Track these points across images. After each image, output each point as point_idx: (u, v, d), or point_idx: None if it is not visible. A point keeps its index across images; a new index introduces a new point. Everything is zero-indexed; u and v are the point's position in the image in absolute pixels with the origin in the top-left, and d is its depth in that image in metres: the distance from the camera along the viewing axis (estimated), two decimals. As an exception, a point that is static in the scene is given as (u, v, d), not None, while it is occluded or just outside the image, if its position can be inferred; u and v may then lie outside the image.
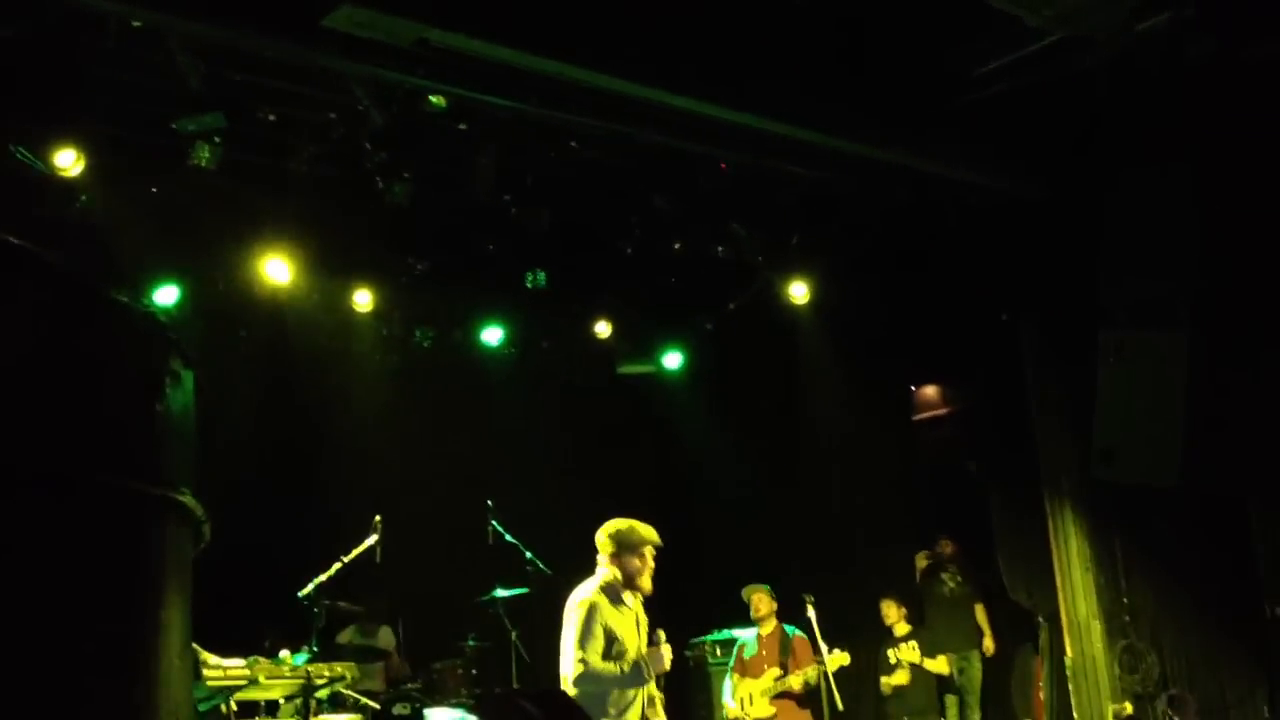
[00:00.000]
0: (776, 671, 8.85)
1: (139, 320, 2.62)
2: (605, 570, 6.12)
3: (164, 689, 2.55)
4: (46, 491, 2.13)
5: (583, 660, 5.84)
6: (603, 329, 10.36)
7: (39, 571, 2.24)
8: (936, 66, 7.68)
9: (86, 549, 2.31)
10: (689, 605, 10.45)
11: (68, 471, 2.15)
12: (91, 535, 2.32)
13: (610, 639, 5.92)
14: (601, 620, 5.91)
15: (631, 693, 5.99)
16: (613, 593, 6.05)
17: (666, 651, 6.11)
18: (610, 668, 5.87)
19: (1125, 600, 8.79)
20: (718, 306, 10.54)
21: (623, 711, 5.96)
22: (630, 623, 6.07)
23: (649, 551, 6.17)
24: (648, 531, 6.19)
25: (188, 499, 2.63)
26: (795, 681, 8.71)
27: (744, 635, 9.27)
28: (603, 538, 6.19)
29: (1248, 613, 8.03)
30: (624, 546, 6.13)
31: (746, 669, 9.04)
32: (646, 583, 6.14)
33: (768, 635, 9.05)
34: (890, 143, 7.93)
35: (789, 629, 9.01)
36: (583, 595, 6.03)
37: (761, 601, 9.05)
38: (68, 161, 6.99)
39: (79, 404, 2.32)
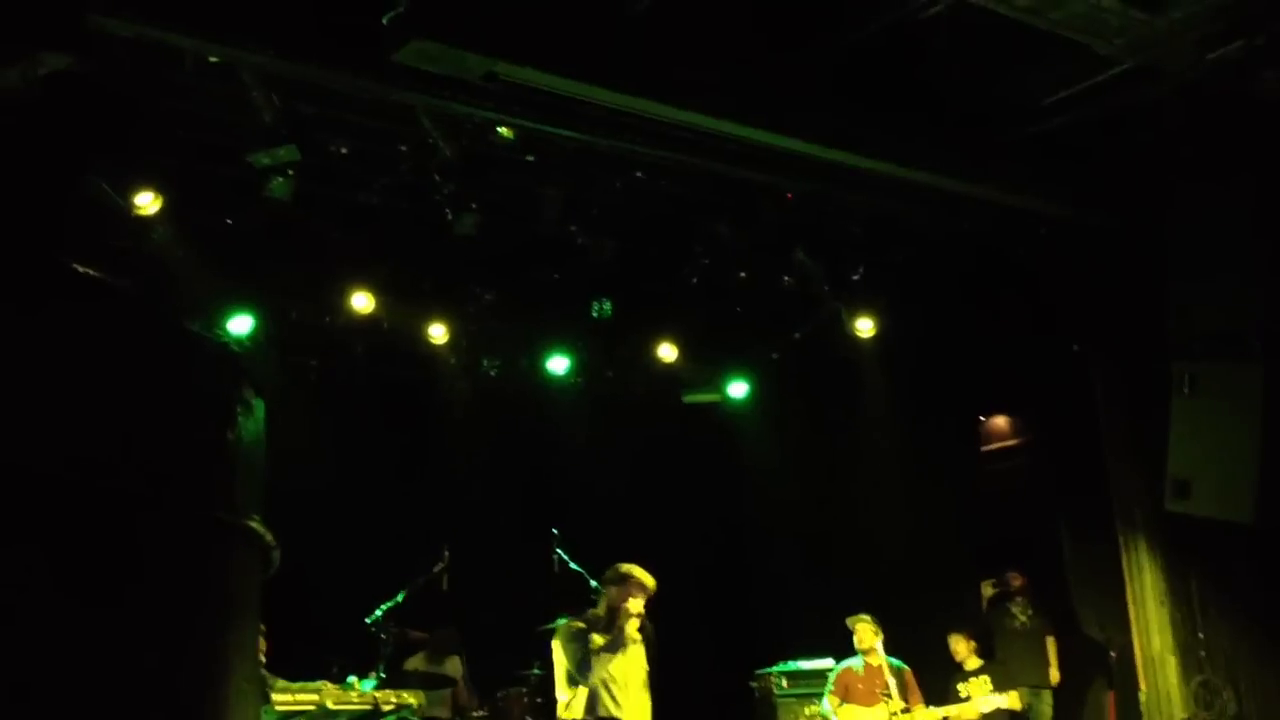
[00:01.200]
0: (899, 704, 8.76)
1: (212, 350, 2.68)
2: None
3: (230, 712, 2.60)
4: (122, 516, 2.18)
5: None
6: (668, 355, 10.36)
7: (112, 593, 2.29)
8: (1005, 95, 7.63)
9: (158, 573, 2.36)
10: (755, 636, 10.42)
11: (141, 497, 2.20)
12: (163, 559, 2.37)
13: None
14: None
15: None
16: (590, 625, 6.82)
17: None
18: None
19: (1200, 635, 8.60)
20: (784, 336, 10.51)
21: None
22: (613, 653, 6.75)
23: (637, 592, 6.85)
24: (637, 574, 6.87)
25: (257, 525, 2.68)
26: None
27: (849, 661, 9.14)
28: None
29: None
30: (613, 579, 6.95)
31: (850, 695, 8.95)
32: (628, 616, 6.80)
33: (876, 665, 8.97)
34: (958, 172, 7.89)
35: (895, 661, 8.97)
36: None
37: (866, 631, 8.99)
38: (145, 201, 7.17)
39: (154, 431, 2.38)
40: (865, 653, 8.99)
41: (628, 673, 6.84)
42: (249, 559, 2.67)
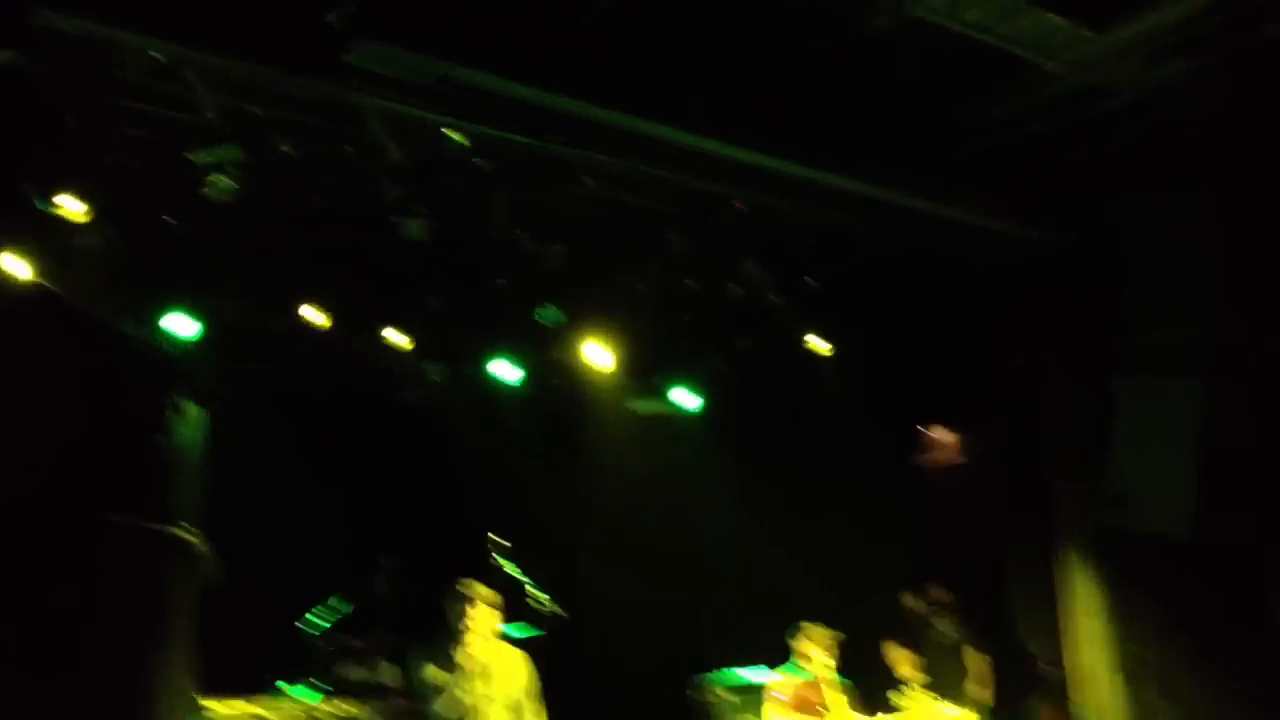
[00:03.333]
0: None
1: (145, 353, 2.61)
2: None
3: (171, 717, 2.54)
4: (44, 522, 2.13)
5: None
6: (601, 362, 10.29)
7: (39, 603, 2.23)
8: (955, 111, 7.69)
9: (82, 580, 2.30)
10: (693, 645, 10.42)
11: (66, 503, 2.15)
12: (88, 567, 2.31)
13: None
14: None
15: None
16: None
17: None
18: None
19: (1135, 649, 8.68)
20: (732, 346, 10.51)
21: None
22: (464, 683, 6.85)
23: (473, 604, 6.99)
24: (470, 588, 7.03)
25: (188, 533, 2.62)
26: None
27: (796, 672, 9.07)
28: None
29: (1262, 663, 7.93)
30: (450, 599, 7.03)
31: (804, 707, 8.90)
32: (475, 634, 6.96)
33: (826, 679, 8.92)
34: (907, 186, 7.94)
35: (841, 678, 8.97)
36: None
37: (823, 641, 8.95)
38: (73, 206, 6.99)
39: (85, 439, 2.32)
40: (813, 664, 8.95)
41: (484, 690, 6.86)
42: (179, 567, 2.61)
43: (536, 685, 7.25)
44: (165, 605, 2.56)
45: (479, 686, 6.86)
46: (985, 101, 7.67)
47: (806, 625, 9.04)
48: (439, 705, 6.72)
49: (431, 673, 6.77)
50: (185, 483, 2.66)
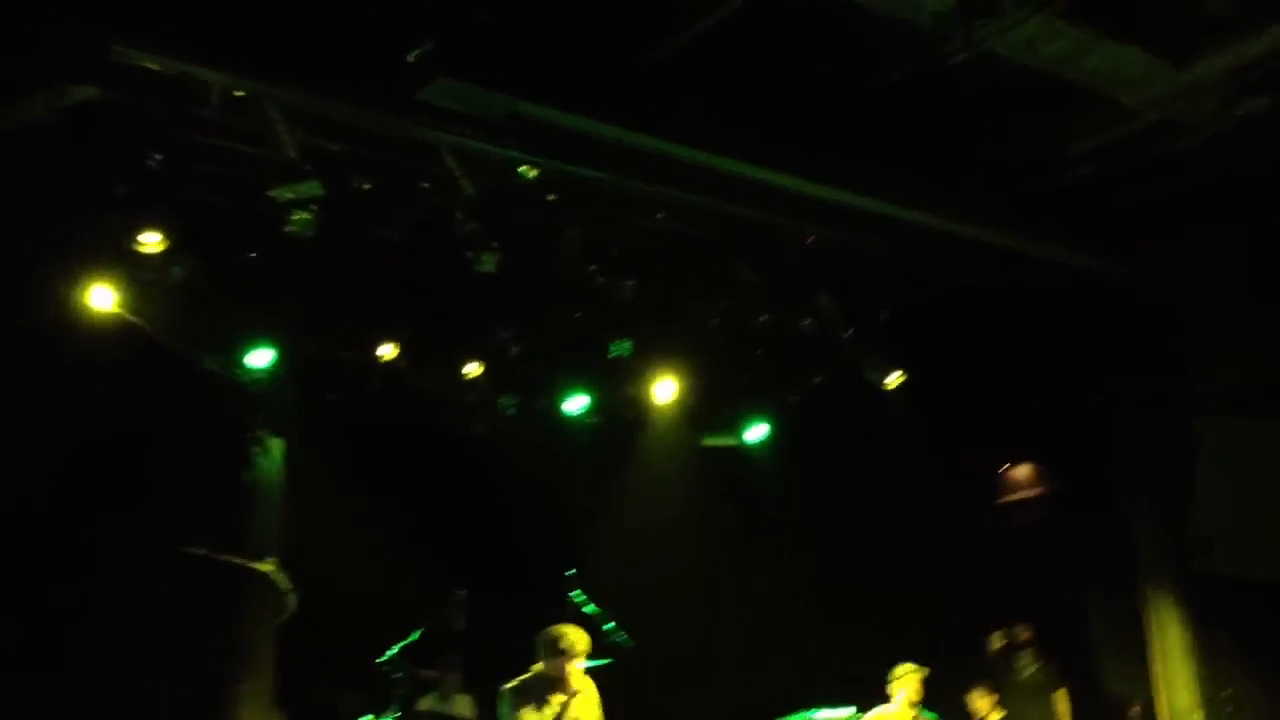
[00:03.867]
0: None
1: (230, 390, 2.63)
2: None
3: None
4: (133, 562, 2.14)
5: None
6: (668, 395, 10.26)
7: (123, 638, 2.23)
8: (1031, 145, 7.61)
9: (171, 618, 2.31)
10: (768, 685, 10.31)
11: (154, 540, 2.16)
12: (176, 604, 2.31)
13: None
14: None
15: None
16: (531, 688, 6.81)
17: None
18: None
19: (1225, 692, 8.46)
20: (804, 380, 10.43)
21: None
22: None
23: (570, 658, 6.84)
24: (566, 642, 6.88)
25: (272, 569, 2.63)
26: None
27: (886, 710, 8.97)
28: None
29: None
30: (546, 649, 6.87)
31: None
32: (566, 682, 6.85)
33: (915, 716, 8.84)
34: (982, 220, 7.86)
35: (929, 714, 8.87)
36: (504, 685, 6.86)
37: (914, 681, 8.85)
38: (153, 240, 7.11)
39: (169, 474, 2.33)
40: (908, 702, 8.85)
41: None
42: (263, 604, 2.61)
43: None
44: (244, 638, 2.56)
45: None
46: (1060, 136, 7.59)
47: (905, 665, 8.94)
48: None
49: (531, 710, 6.75)
50: (265, 516, 2.67)
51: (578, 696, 6.95)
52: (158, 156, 6.81)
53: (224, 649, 2.49)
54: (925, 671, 8.88)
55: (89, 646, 2.20)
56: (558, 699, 6.85)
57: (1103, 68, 6.51)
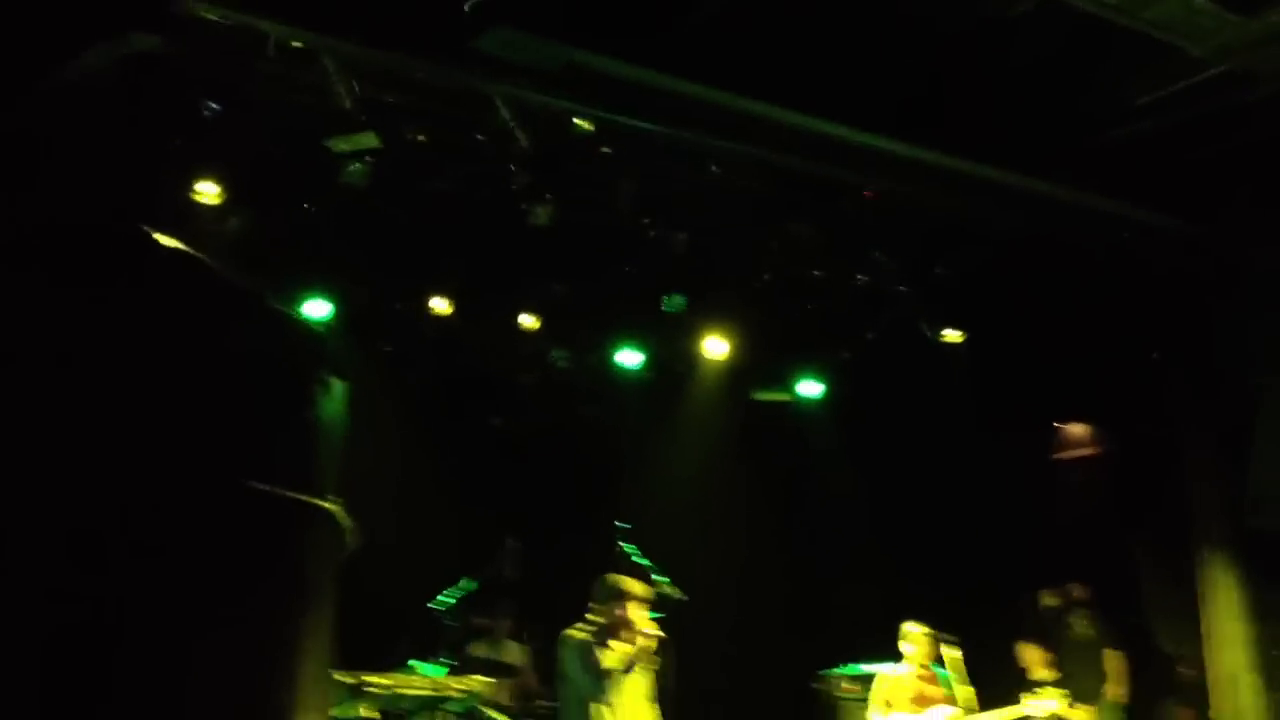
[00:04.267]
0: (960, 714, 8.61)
1: (296, 330, 2.67)
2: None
3: (307, 692, 2.59)
4: (201, 494, 2.18)
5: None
6: (737, 354, 10.27)
7: (191, 571, 2.28)
8: (1093, 96, 7.48)
9: (236, 553, 2.36)
10: (818, 638, 10.34)
11: (223, 476, 2.20)
12: (242, 539, 2.36)
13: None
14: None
15: None
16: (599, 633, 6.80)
17: None
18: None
19: (1277, 653, 8.41)
20: (857, 335, 10.39)
21: None
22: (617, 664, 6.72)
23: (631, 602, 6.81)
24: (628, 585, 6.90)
25: (335, 507, 2.67)
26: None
27: (898, 670, 8.96)
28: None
29: None
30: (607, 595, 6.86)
31: (900, 703, 8.79)
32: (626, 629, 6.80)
33: (928, 674, 8.81)
34: (1042, 173, 7.75)
35: (944, 672, 8.82)
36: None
37: (923, 642, 8.81)
38: (210, 190, 7.21)
39: (236, 409, 2.38)
40: (917, 663, 8.83)
41: (635, 690, 6.82)
42: (327, 541, 2.65)
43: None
44: (308, 574, 2.61)
45: (633, 680, 6.83)
46: (1124, 87, 7.44)
47: (904, 625, 8.90)
48: (605, 696, 6.71)
49: (611, 659, 6.74)
50: (330, 459, 2.71)
51: (644, 640, 6.84)
52: (214, 107, 6.88)
53: (288, 584, 2.53)
54: (932, 634, 8.79)
55: (153, 579, 2.24)
56: (625, 639, 6.80)
57: (1169, 16, 6.38)
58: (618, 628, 6.79)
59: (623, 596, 6.83)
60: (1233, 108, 7.38)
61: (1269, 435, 8.16)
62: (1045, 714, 8.49)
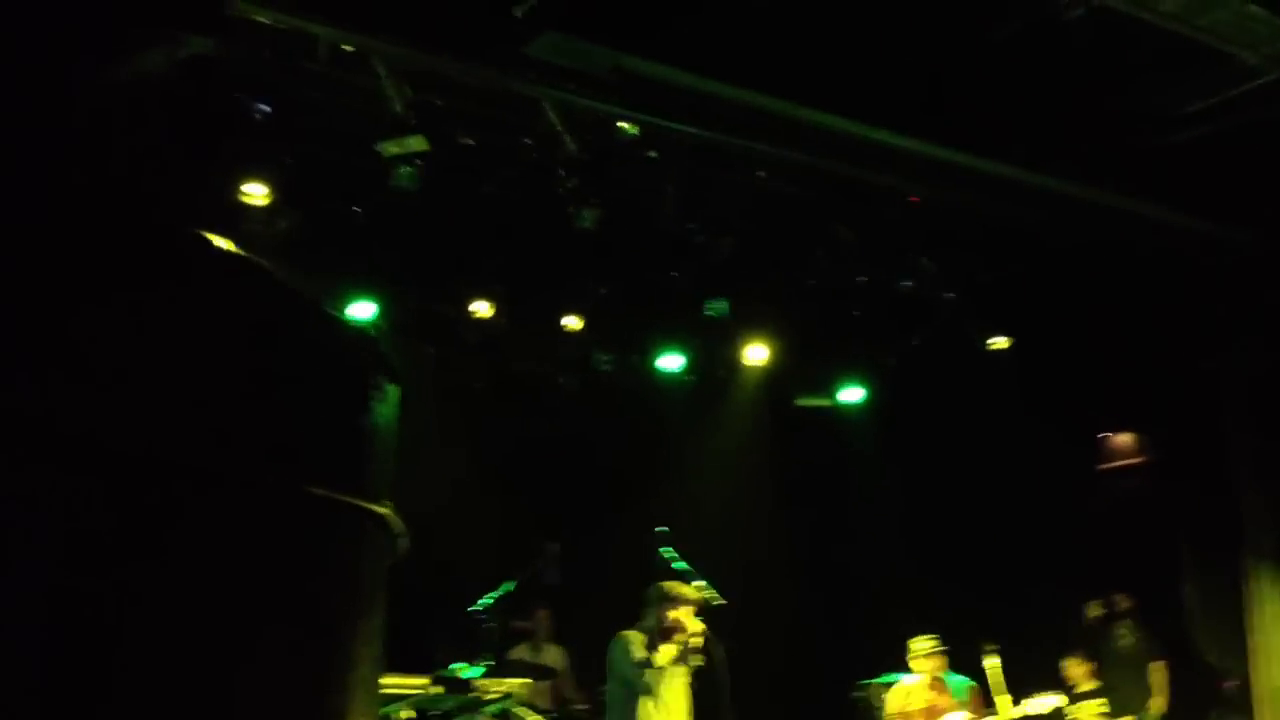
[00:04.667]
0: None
1: (350, 334, 2.69)
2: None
3: (358, 696, 2.60)
4: (258, 500, 2.20)
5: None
6: (780, 360, 10.25)
7: (248, 577, 2.30)
8: (1145, 102, 7.42)
9: (291, 558, 2.37)
10: (858, 647, 10.30)
11: (279, 481, 2.21)
12: (298, 545, 2.37)
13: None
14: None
15: None
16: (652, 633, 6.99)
17: None
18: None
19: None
20: (902, 342, 10.34)
21: None
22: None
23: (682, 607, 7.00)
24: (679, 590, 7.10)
25: (389, 512, 2.69)
26: None
27: (910, 681, 8.95)
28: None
29: None
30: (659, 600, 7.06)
31: (913, 715, 8.76)
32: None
33: (939, 684, 8.79)
34: (1090, 179, 7.70)
35: (961, 680, 8.81)
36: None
37: (929, 654, 8.80)
38: (258, 192, 7.27)
39: (292, 414, 2.39)
40: (928, 674, 8.79)
41: (677, 693, 7.01)
42: (380, 546, 2.66)
43: None
44: (360, 579, 2.62)
45: (675, 681, 7.04)
46: (1178, 95, 7.38)
47: (911, 641, 8.87)
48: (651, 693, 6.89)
49: (661, 657, 6.94)
50: (384, 462, 2.72)
51: (695, 640, 7.05)
52: (264, 109, 6.93)
53: (342, 589, 2.55)
54: (939, 647, 8.75)
55: (207, 583, 2.26)
56: (677, 642, 7.01)
57: (1221, 23, 6.34)
58: (670, 631, 7.00)
59: (674, 601, 7.05)
60: (1285, 116, 7.31)
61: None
62: (1048, 709, 8.47)
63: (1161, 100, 7.47)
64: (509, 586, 8.13)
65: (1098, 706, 8.81)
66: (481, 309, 8.98)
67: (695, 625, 7.03)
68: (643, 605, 7.15)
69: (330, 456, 2.49)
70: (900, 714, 8.79)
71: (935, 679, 8.79)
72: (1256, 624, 8.59)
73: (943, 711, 8.62)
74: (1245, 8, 6.23)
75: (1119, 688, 9.32)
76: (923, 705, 8.72)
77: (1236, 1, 6.17)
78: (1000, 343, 9.51)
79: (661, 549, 8.56)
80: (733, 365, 10.40)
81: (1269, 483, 8.52)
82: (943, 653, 8.79)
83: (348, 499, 2.48)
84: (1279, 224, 8.15)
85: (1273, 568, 8.49)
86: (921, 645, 8.81)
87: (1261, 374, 8.59)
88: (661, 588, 7.16)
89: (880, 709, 9.52)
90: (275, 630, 2.38)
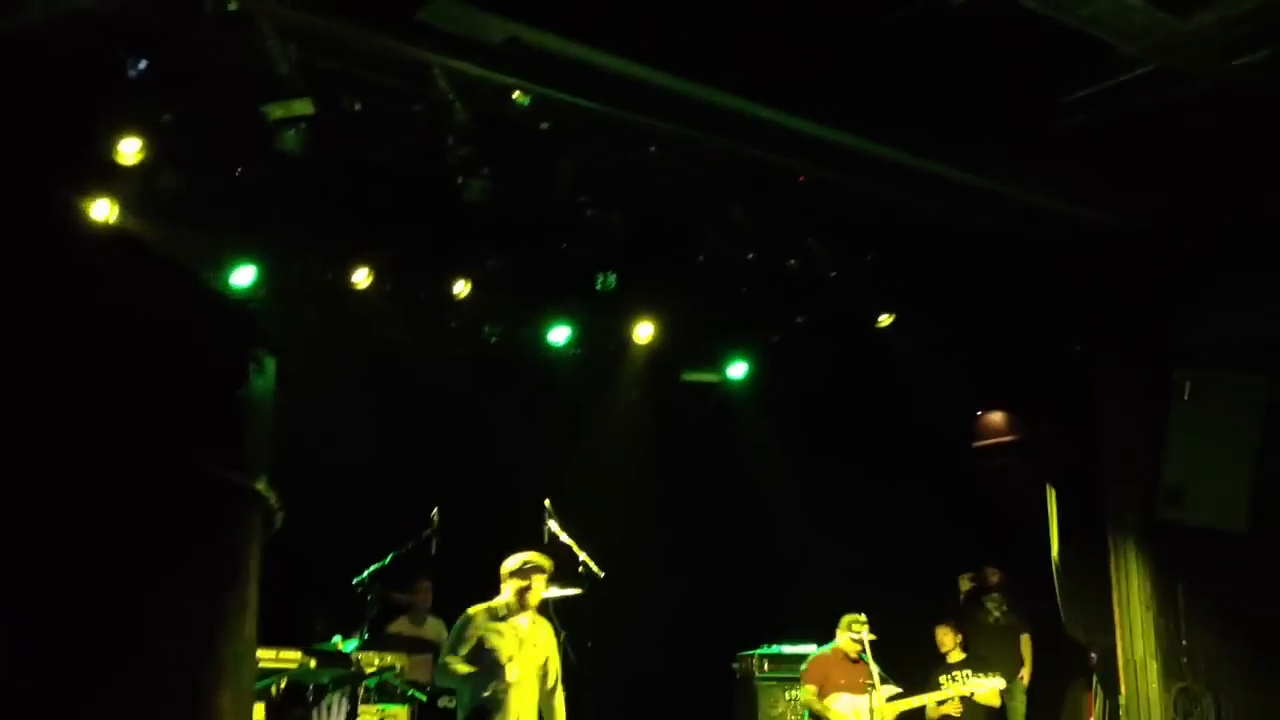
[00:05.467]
0: (889, 691, 8.75)
1: (226, 306, 2.64)
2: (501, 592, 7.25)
3: (236, 667, 2.57)
4: (133, 473, 2.15)
5: (442, 661, 7.07)
6: (667, 335, 10.31)
7: (117, 547, 2.25)
8: (1026, 90, 7.58)
9: (164, 529, 2.33)
10: (738, 618, 10.43)
11: (154, 454, 2.17)
12: (169, 516, 2.33)
13: (479, 648, 6.99)
14: (475, 632, 7.05)
15: (489, 693, 6.90)
16: (494, 611, 7.16)
17: None
18: (464, 668, 6.94)
19: (1184, 642, 8.63)
20: (787, 319, 10.47)
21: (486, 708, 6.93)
22: (512, 638, 7.08)
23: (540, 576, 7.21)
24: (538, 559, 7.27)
25: (264, 488, 2.65)
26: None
27: (826, 650, 9.07)
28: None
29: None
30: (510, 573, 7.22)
31: (830, 684, 8.91)
32: (532, 600, 7.23)
33: (859, 659, 8.94)
34: (971, 164, 7.85)
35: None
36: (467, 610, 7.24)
37: (856, 631, 8.93)
38: (132, 149, 7.04)
39: (164, 386, 2.34)
40: (850, 648, 8.94)
41: (528, 662, 7.10)
42: (254, 520, 2.63)
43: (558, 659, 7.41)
44: (238, 553, 2.58)
45: (527, 651, 7.12)
46: (1061, 83, 7.56)
47: (853, 615, 9.01)
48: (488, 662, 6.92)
49: (496, 627, 7.06)
50: (259, 437, 2.68)
51: (536, 623, 7.23)
52: (141, 65, 6.70)
53: (214, 561, 2.51)
54: (864, 620, 8.92)
55: (77, 551, 2.21)
56: (517, 622, 7.15)
57: (1103, 14, 6.50)
58: (518, 605, 7.16)
59: (519, 572, 7.18)
60: (1163, 105, 7.53)
61: (1183, 427, 8.35)
62: (990, 692, 8.72)
63: (1045, 88, 7.65)
64: (390, 558, 8.07)
65: (964, 676, 9.01)
66: (361, 278, 8.86)
67: (537, 615, 7.21)
68: (500, 575, 7.28)
69: (203, 429, 2.44)
70: (819, 682, 8.93)
71: (857, 649, 8.90)
72: (1120, 599, 8.88)
73: (861, 682, 8.74)
74: (1125, 0, 6.40)
75: (988, 658, 9.59)
76: (843, 674, 8.88)
77: (1117, -8, 6.34)
78: (884, 319, 9.71)
79: (545, 521, 8.56)
80: (621, 339, 10.42)
81: (1134, 462, 8.81)
82: (863, 625, 8.87)
83: (220, 471, 2.45)
84: (1156, 211, 8.40)
85: (1136, 545, 8.78)
86: (852, 616, 8.93)
87: (1131, 359, 8.86)
88: (512, 561, 7.27)
89: (760, 679, 9.69)
90: (144, 601, 2.34)
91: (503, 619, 7.17)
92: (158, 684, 2.42)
